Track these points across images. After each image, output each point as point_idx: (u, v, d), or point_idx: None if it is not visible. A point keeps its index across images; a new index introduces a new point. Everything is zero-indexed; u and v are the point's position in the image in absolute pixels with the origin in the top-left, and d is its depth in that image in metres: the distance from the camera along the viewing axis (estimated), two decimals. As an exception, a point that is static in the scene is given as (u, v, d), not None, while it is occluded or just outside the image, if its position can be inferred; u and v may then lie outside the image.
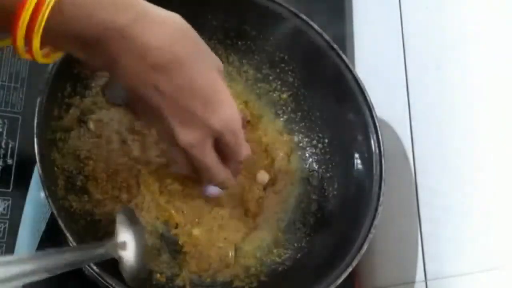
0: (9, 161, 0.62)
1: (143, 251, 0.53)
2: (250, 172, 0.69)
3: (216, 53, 0.70)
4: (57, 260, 0.46)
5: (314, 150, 0.72)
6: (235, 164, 0.57)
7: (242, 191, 0.68)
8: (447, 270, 0.60)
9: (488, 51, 0.59)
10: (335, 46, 0.67)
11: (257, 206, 0.69)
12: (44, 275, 0.44)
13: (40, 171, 0.52)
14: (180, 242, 0.64)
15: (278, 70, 0.72)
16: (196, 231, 0.65)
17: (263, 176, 0.70)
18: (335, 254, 0.62)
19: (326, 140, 0.71)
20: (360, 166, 0.66)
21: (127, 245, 0.51)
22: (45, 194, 0.51)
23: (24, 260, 0.43)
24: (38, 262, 0.43)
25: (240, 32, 0.70)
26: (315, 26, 0.67)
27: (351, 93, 0.67)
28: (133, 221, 0.53)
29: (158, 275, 0.62)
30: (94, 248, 0.50)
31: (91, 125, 0.63)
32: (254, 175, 0.70)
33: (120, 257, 0.51)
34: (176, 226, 0.64)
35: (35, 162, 0.53)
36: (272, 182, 0.71)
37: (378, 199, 0.62)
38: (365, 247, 0.60)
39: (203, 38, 0.70)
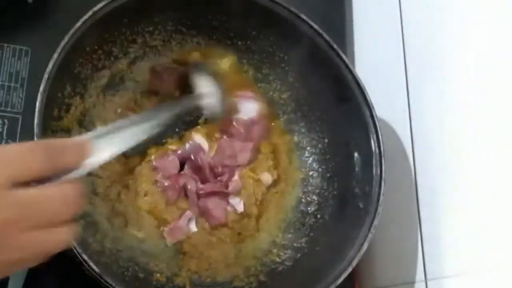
0: (9, 161, 0.62)
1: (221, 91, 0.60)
2: (255, 173, 0.69)
3: (216, 53, 0.72)
4: (159, 119, 0.52)
5: (314, 150, 0.72)
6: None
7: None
8: (447, 270, 0.60)
9: (488, 51, 0.58)
10: (335, 46, 0.67)
11: (261, 208, 0.69)
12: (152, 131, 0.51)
13: (40, 171, 0.51)
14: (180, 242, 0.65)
15: (278, 70, 0.72)
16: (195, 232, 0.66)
17: (267, 178, 0.70)
18: (335, 254, 0.62)
19: (326, 140, 0.71)
20: (360, 166, 0.66)
21: (207, 93, 0.60)
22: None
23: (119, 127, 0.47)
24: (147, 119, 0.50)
25: (240, 32, 0.70)
26: (315, 26, 0.67)
27: (351, 93, 0.67)
28: (205, 70, 0.61)
29: (158, 275, 0.62)
30: (187, 101, 0.60)
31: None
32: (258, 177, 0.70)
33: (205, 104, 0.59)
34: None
35: (35, 162, 0.52)
36: (275, 183, 0.71)
37: (378, 199, 0.62)
38: (365, 247, 0.60)
39: (203, 38, 0.70)
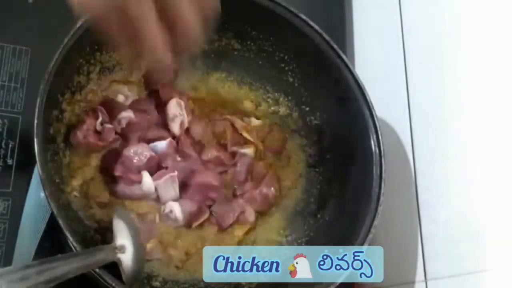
0: (9, 161, 0.62)
1: (141, 251, 0.54)
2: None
3: (215, 53, 0.72)
4: (59, 271, 0.47)
5: (314, 150, 0.72)
6: (181, 29, 0.45)
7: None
8: (447, 270, 0.60)
9: (488, 51, 0.59)
10: (335, 46, 0.67)
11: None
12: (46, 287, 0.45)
13: (40, 171, 0.52)
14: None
15: (278, 70, 0.72)
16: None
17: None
18: (335, 254, 0.62)
19: (326, 140, 0.71)
20: (360, 166, 0.66)
21: (125, 248, 0.53)
22: (45, 194, 0.51)
23: (26, 270, 0.44)
24: (41, 273, 0.45)
25: (240, 32, 0.70)
26: (315, 26, 0.67)
27: (351, 93, 0.67)
28: (129, 223, 0.55)
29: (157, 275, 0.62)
30: (93, 254, 0.51)
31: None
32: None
33: (119, 260, 0.52)
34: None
35: (35, 162, 0.52)
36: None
37: (378, 199, 0.62)
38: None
39: (203, 38, 0.70)
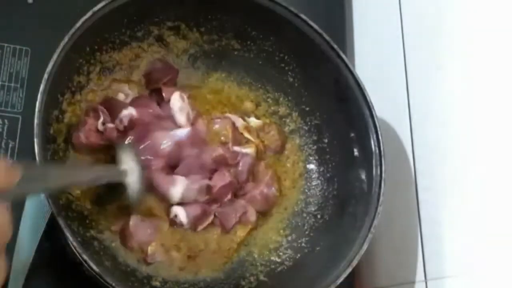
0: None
1: (143, 173, 0.60)
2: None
3: (215, 53, 0.72)
4: (72, 176, 0.55)
5: (314, 150, 0.72)
6: None
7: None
8: (447, 270, 0.60)
9: (488, 51, 0.59)
10: (335, 46, 0.67)
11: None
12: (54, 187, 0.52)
13: (40, 171, 0.52)
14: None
15: (278, 70, 0.72)
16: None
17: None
18: (335, 254, 0.62)
19: (326, 140, 0.71)
20: (360, 167, 0.66)
21: (128, 172, 0.59)
22: (45, 194, 0.51)
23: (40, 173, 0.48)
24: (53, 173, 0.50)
25: (240, 32, 0.70)
26: (315, 26, 0.67)
27: (351, 93, 0.67)
28: (131, 149, 0.61)
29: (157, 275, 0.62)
30: (105, 170, 0.61)
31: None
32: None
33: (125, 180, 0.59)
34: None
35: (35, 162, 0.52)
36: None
37: (378, 199, 0.62)
38: (365, 247, 0.60)
39: (203, 38, 0.70)
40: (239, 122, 0.70)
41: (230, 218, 0.66)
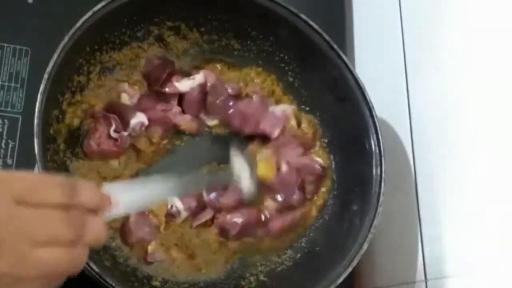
0: (9, 161, 0.62)
1: (255, 177, 0.63)
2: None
3: (216, 53, 0.72)
4: (190, 183, 0.56)
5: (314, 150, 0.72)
6: None
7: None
8: (447, 270, 0.60)
9: (488, 51, 0.58)
10: (335, 46, 0.67)
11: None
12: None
13: (40, 171, 0.52)
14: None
15: (278, 70, 0.72)
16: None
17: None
18: (335, 254, 0.62)
19: (326, 140, 0.71)
20: (360, 166, 0.66)
21: (241, 179, 0.62)
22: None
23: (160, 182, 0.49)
24: (173, 184, 0.51)
25: (240, 32, 0.70)
26: (315, 26, 0.67)
27: (351, 93, 0.67)
28: (245, 156, 0.64)
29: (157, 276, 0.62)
30: (219, 175, 0.65)
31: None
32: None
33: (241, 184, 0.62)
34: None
35: (35, 162, 0.52)
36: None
37: (378, 199, 0.62)
38: (365, 247, 0.60)
39: (203, 38, 0.70)
40: (290, 109, 0.71)
41: (234, 227, 0.65)
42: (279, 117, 0.69)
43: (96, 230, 0.39)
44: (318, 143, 0.71)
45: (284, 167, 0.67)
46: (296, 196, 0.67)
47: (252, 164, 0.64)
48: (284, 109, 0.71)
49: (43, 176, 0.40)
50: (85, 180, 0.44)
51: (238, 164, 0.63)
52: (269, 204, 0.66)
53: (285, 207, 0.67)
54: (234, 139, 0.68)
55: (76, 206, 0.38)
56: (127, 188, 0.46)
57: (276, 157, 0.67)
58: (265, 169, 0.66)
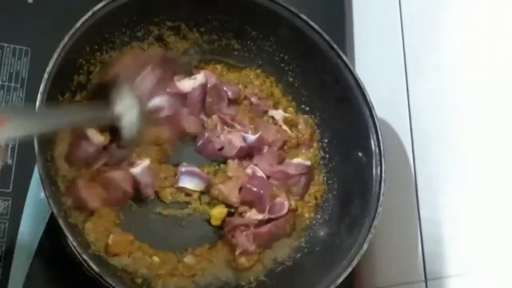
0: (9, 161, 0.62)
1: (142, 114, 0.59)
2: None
3: (216, 53, 0.72)
4: (67, 117, 0.53)
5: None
6: None
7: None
8: (447, 270, 0.60)
9: (487, 51, 0.59)
10: (335, 46, 0.67)
11: None
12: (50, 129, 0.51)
13: (40, 171, 0.52)
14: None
15: (278, 70, 0.72)
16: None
17: None
18: (335, 254, 0.62)
19: (326, 140, 0.71)
20: (360, 167, 0.66)
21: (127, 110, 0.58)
22: (45, 194, 0.51)
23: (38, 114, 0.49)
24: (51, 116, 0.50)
25: (240, 32, 0.70)
26: (315, 26, 0.67)
27: (351, 93, 0.67)
28: (130, 92, 0.59)
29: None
30: (98, 111, 0.58)
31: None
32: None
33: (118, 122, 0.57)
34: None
35: (35, 162, 0.52)
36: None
37: (378, 199, 0.62)
38: (365, 247, 0.60)
39: (203, 38, 0.70)
40: (279, 114, 0.71)
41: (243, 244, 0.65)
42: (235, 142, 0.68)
43: None
44: (315, 144, 0.71)
45: (248, 182, 0.66)
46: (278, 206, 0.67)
47: (142, 103, 0.60)
48: (274, 114, 0.71)
49: None
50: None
51: (126, 101, 0.58)
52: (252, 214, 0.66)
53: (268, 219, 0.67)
54: None
55: None
56: (21, 113, 0.46)
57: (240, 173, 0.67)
58: (218, 217, 0.65)
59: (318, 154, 0.71)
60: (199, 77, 0.68)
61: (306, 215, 0.69)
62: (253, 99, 0.71)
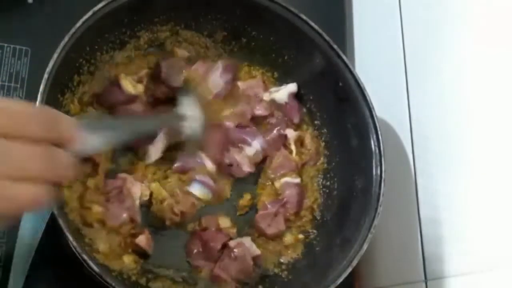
0: (9, 161, 0.62)
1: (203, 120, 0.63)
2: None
3: (216, 53, 0.72)
4: (137, 126, 0.55)
5: (314, 150, 0.73)
6: None
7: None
8: (447, 270, 0.60)
9: (487, 51, 0.59)
10: (335, 46, 0.67)
11: None
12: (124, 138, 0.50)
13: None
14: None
15: (278, 70, 0.72)
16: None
17: None
18: (335, 254, 0.62)
19: (326, 140, 0.71)
20: (360, 167, 0.66)
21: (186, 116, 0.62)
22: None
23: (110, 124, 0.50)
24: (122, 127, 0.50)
25: (240, 32, 0.70)
26: (315, 26, 0.67)
27: (351, 93, 0.67)
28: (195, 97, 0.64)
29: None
30: (163, 118, 0.64)
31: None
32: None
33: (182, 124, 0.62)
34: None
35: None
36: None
37: (378, 199, 0.62)
38: (365, 247, 0.60)
39: (203, 37, 0.71)
40: (292, 133, 0.71)
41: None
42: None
43: (65, 165, 0.39)
44: (322, 159, 0.71)
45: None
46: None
47: (203, 107, 0.63)
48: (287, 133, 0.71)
49: (23, 106, 0.38)
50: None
51: (186, 102, 0.62)
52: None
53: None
54: None
55: (50, 140, 0.37)
56: (97, 126, 0.46)
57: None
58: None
59: (323, 164, 0.71)
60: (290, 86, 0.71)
61: (305, 218, 0.69)
62: (273, 121, 0.71)
